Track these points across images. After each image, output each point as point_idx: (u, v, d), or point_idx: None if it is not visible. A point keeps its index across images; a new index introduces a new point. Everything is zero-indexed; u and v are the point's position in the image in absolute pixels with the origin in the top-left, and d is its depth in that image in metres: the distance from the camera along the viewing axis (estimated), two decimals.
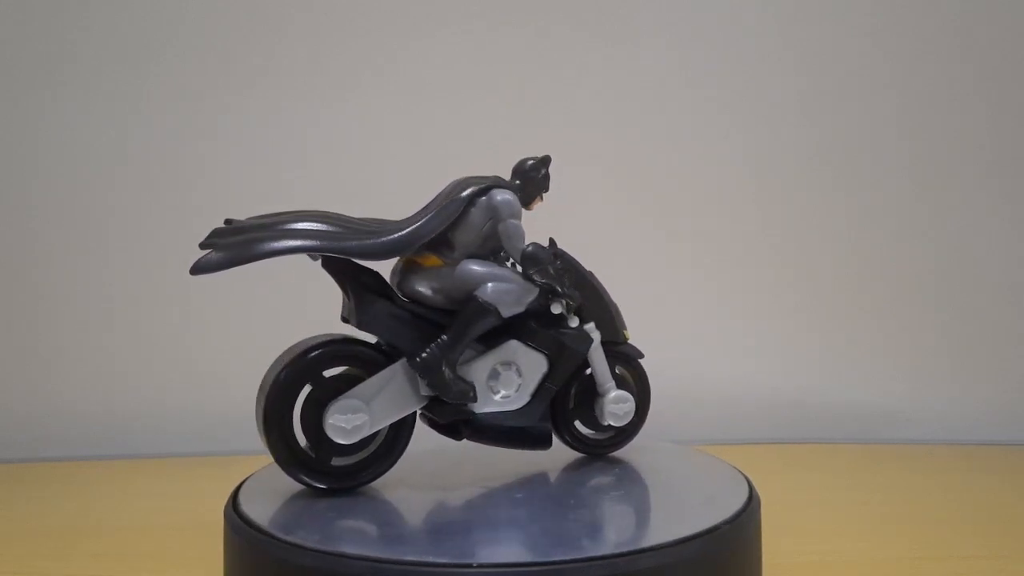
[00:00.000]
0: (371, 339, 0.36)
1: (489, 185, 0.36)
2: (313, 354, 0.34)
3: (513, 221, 0.36)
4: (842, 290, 0.66)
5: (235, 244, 0.31)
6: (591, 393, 0.40)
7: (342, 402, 0.33)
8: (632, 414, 0.40)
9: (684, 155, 0.65)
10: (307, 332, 0.39)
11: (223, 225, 0.32)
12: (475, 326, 0.35)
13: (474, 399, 0.35)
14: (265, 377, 0.34)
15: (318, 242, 0.32)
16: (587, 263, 0.41)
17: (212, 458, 0.60)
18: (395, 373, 0.34)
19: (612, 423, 0.40)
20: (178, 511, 0.47)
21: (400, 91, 0.64)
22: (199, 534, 0.42)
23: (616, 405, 0.40)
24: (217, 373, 0.63)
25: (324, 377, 0.34)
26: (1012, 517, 0.46)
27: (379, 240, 0.34)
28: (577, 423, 0.41)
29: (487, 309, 0.35)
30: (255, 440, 0.34)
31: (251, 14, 0.63)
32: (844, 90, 0.66)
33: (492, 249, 0.37)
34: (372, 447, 0.35)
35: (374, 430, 0.34)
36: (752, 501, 0.34)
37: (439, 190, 0.37)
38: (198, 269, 0.30)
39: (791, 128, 0.66)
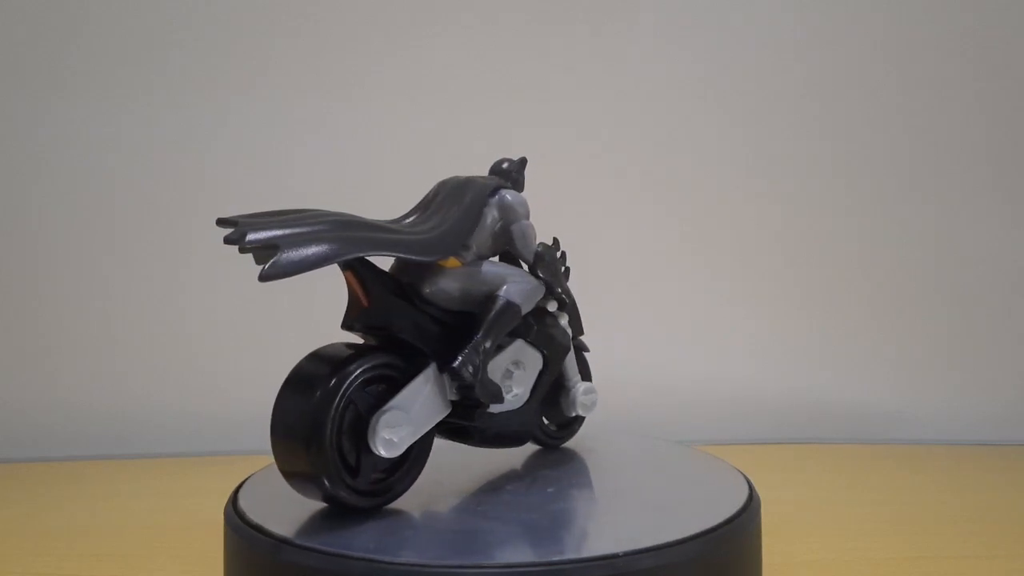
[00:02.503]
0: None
1: (497, 185, 0.36)
2: (356, 364, 0.31)
3: (527, 221, 0.37)
4: (842, 291, 0.66)
5: (296, 244, 0.28)
6: (556, 386, 0.40)
7: (389, 414, 0.31)
8: (596, 403, 0.41)
9: (686, 157, 0.66)
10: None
11: (230, 226, 0.29)
12: (504, 326, 0.35)
13: (502, 400, 0.35)
14: (290, 396, 0.31)
15: (379, 246, 0.31)
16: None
17: (212, 458, 0.60)
18: (428, 379, 0.33)
19: (582, 413, 0.41)
20: (178, 511, 0.47)
21: (400, 92, 0.64)
22: (199, 534, 0.42)
23: (586, 396, 0.41)
24: (218, 373, 0.63)
25: (363, 391, 0.32)
26: (1012, 517, 0.46)
27: (432, 241, 0.33)
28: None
29: (514, 309, 0.35)
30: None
31: (252, 16, 0.63)
32: (845, 93, 0.66)
33: (496, 249, 0.37)
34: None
35: (414, 440, 0.33)
36: (752, 501, 0.34)
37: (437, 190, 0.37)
38: (269, 276, 0.27)
39: (793, 130, 0.66)
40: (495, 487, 0.36)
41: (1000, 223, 0.66)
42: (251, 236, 0.28)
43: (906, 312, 0.66)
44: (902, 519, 0.45)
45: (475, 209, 0.35)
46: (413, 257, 0.32)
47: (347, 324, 0.34)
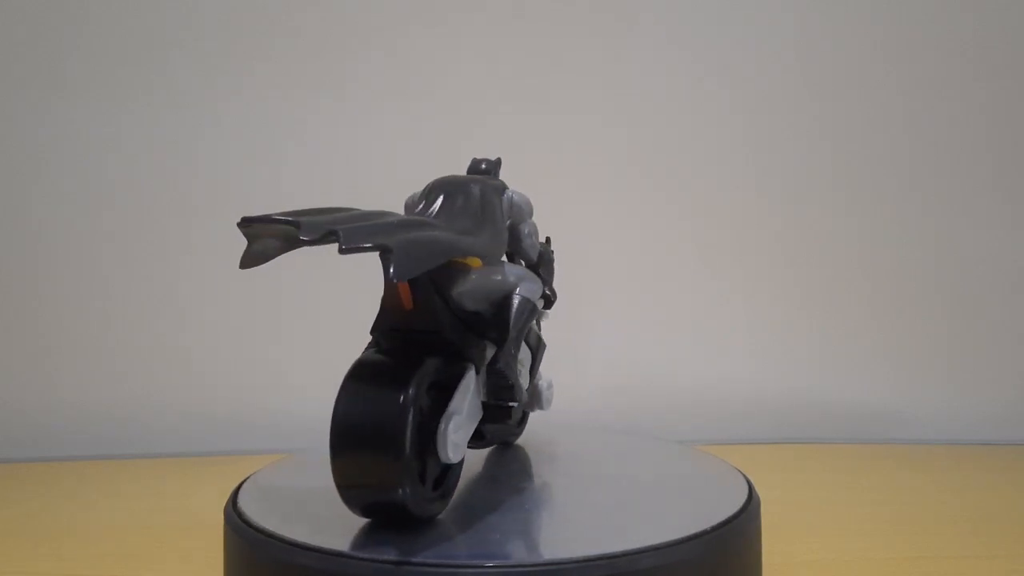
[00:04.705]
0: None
1: (503, 185, 0.36)
2: (421, 370, 0.30)
3: (533, 220, 0.37)
4: (842, 290, 0.66)
5: (406, 246, 0.26)
6: None
7: (455, 419, 0.30)
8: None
9: (686, 157, 0.66)
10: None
11: (270, 223, 0.27)
12: (527, 325, 0.34)
13: (526, 399, 0.35)
14: (357, 406, 0.29)
15: (462, 249, 0.30)
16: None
17: (212, 458, 0.60)
18: (471, 381, 0.32)
19: (546, 408, 0.41)
20: (178, 511, 0.47)
21: (401, 92, 0.64)
22: (199, 534, 0.42)
23: (549, 391, 0.40)
24: (217, 373, 0.63)
25: (425, 397, 0.30)
26: (1012, 517, 0.46)
27: (491, 244, 0.32)
28: None
29: (532, 307, 0.35)
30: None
31: (253, 16, 0.63)
32: (845, 93, 0.66)
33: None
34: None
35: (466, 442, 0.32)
36: (752, 501, 0.34)
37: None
38: (398, 277, 0.26)
39: (793, 130, 0.66)
40: (492, 487, 0.36)
41: (1000, 223, 0.66)
42: (347, 233, 0.25)
43: (906, 312, 0.66)
44: (902, 519, 0.45)
45: (499, 209, 0.35)
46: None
47: (382, 327, 0.32)
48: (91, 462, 0.60)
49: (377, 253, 0.26)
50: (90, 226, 0.63)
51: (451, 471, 0.32)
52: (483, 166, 0.38)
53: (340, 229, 0.25)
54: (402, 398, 0.28)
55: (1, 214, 0.62)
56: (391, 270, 0.25)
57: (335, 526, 0.30)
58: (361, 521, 0.31)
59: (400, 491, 0.28)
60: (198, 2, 0.63)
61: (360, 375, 0.30)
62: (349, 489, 0.29)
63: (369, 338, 0.33)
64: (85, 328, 0.63)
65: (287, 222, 0.26)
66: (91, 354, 0.63)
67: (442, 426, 0.30)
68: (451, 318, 0.32)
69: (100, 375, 0.63)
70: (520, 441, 0.42)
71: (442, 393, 0.31)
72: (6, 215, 0.63)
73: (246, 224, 0.27)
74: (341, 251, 0.25)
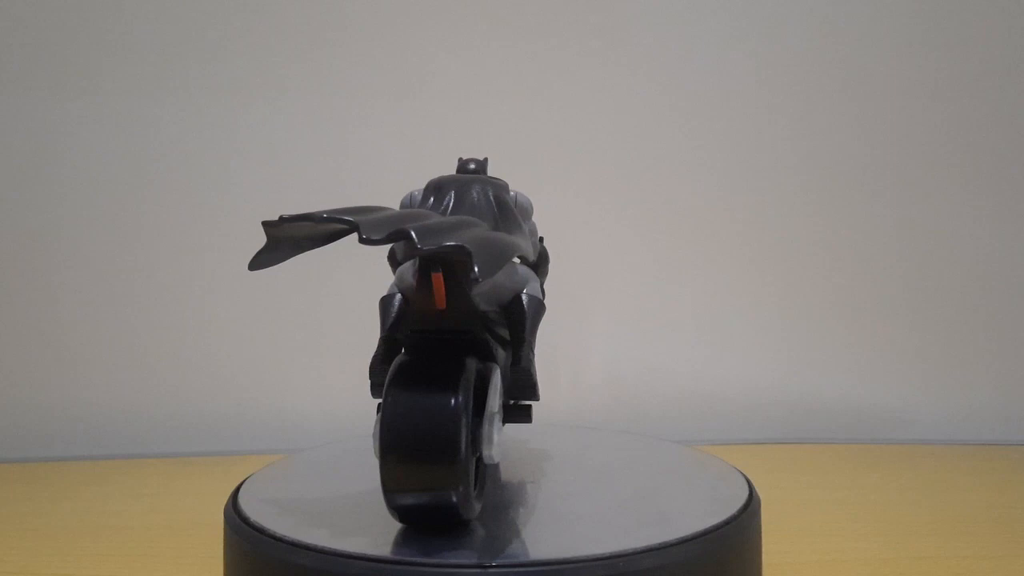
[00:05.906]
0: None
1: (507, 184, 0.36)
2: (467, 371, 0.29)
3: (533, 220, 0.37)
4: (842, 290, 0.66)
5: (481, 248, 0.25)
6: None
7: (496, 418, 0.30)
8: None
9: (684, 156, 0.66)
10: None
11: (290, 224, 0.25)
12: (538, 324, 0.34)
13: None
14: (410, 409, 0.28)
15: (518, 249, 0.29)
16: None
17: (212, 458, 0.60)
18: (498, 381, 0.31)
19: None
20: (178, 511, 0.47)
21: (403, 94, 0.64)
22: (199, 534, 0.42)
23: None
24: (217, 373, 0.63)
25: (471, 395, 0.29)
26: (1012, 517, 0.46)
27: (525, 241, 0.32)
28: None
29: (542, 306, 0.34)
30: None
31: (254, 16, 0.63)
32: (838, 89, 0.66)
33: None
34: None
35: None
36: (752, 501, 0.34)
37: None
38: (478, 280, 0.25)
39: (789, 129, 0.66)
40: (492, 487, 0.36)
41: (1001, 223, 0.66)
42: (420, 233, 0.24)
43: (906, 312, 0.66)
44: (903, 519, 0.45)
45: (510, 206, 0.35)
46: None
47: (407, 328, 0.31)
48: (92, 462, 0.60)
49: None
50: (89, 226, 0.63)
51: (481, 471, 0.32)
52: (471, 166, 0.37)
53: (411, 228, 0.24)
54: (453, 401, 0.28)
55: (10, 214, 0.63)
56: (476, 270, 0.24)
57: (335, 526, 0.30)
58: (360, 521, 0.31)
59: (454, 493, 0.28)
60: (196, 3, 0.63)
61: (404, 380, 0.29)
62: (399, 493, 0.29)
63: (372, 340, 0.33)
64: (84, 328, 0.63)
65: (342, 221, 0.25)
66: (90, 354, 0.63)
67: (486, 427, 0.30)
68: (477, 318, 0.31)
69: (100, 375, 0.63)
70: (519, 441, 0.42)
71: (474, 394, 0.30)
72: (7, 215, 0.63)
73: (279, 224, 0.25)
74: (416, 251, 0.24)
